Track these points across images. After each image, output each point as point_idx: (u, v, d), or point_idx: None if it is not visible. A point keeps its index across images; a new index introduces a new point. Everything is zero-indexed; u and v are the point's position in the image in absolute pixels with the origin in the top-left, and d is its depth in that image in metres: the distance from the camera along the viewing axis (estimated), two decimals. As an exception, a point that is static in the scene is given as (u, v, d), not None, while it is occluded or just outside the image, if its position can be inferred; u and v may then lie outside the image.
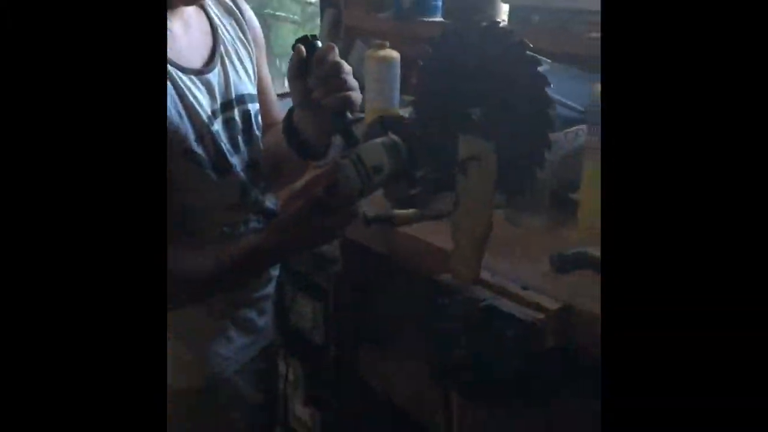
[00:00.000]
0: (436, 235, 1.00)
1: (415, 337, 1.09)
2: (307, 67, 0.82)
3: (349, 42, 1.69)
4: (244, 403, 1.01)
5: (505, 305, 0.83)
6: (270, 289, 1.04)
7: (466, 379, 0.85)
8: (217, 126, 0.85)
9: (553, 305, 0.83)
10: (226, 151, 0.86)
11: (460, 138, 0.82)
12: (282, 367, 1.46)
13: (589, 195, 0.98)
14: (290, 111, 0.90)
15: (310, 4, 2.97)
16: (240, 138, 0.90)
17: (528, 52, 0.76)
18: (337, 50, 0.81)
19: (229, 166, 0.86)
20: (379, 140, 0.86)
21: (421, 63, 0.88)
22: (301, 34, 0.90)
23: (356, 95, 0.84)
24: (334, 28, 1.77)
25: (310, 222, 0.85)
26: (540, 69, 0.76)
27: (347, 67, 0.82)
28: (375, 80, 1.28)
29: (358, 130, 0.92)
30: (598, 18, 1.30)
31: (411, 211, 1.07)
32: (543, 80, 0.75)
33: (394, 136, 0.86)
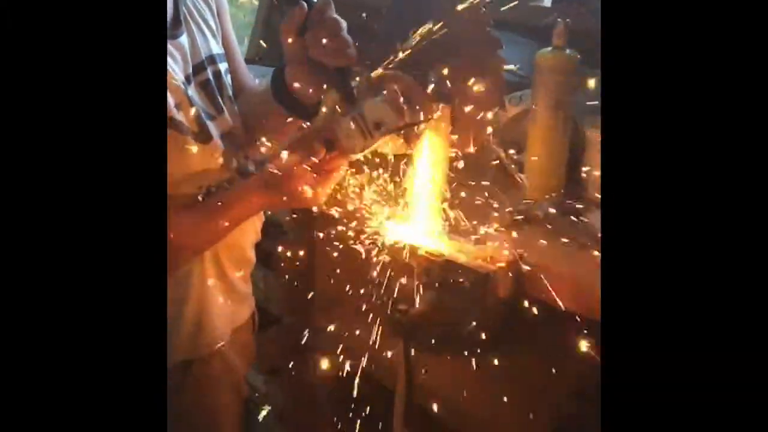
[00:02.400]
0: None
1: (370, 297, 1.12)
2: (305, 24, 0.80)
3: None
4: (230, 372, 1.01)
5: (461, 259, 0.87)
6: (253, 256, 1.03)
7: (427, 334, 0.90)
8: (192, 91, 0.83)
9: (504, 257, 0.88)
10: (204, 116, 0.84)
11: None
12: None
13: (534, 156, 1.04)
14: (280, 69, 0.87)
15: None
16: (218, 100, 0.88)
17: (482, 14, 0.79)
18: (333, 5, 0.80)
19: (209, 133, 0.84)
20: (379, 98, 0.84)
21: (376, 26, 0.89)
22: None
23: (354, 52, 0.83)
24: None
25: (305, 175, 0.82)
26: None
27: (344, 23, 0.80)
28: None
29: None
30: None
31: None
32: (496, 43, 0.79)
33: (392, 93, 0.85)
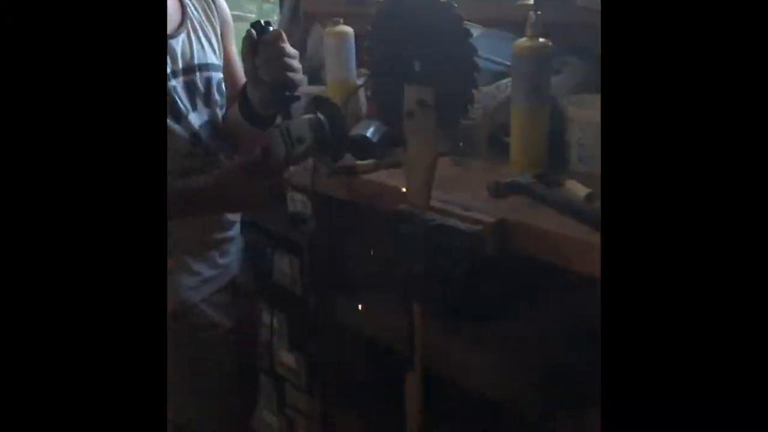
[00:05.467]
0: (392, 179, 1.18)
1: (383, 271, 1.25)
2: (257, 48, 0.98)
3: (309, 26, 1.85)
4: (213, 326, 1.18)
5: (452, 222, 1.00)
6: (232, 233, 1.21)
7: (425, 291, 1.03)
8: (176, 83, 1.02)
9: (490, 219, 1.01)
10: (180, 103, 1.03)
11: (406, 87, 0.99)
12: (267, 318, 1.62)
13: (517, 136, 1.17)
14: (245, 85, 1.06)
15: (267, 1, 3.10)
16: (199, 99, 1.07)
17: (463, 24, 0.93)
18: (284, 37, 0.98)
19: (182, 114, 1.03)
20: (306, 116, 1.03)
21: (370, 28, 1.04)
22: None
23: (296, 77, 1.01)
24: (294, 15, 1.92)
25: (245, 179, 1.01)
26: (471, 39, 0.93)
27: (292, 52, 0.99)
28: (333, 54, 1.43)
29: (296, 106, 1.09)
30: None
31: (370, 161, 1.25)
32: (472, 49, 0.93)
33: (320, 115, 1.03)
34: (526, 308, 1.21)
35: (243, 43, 1.00)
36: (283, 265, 1.57)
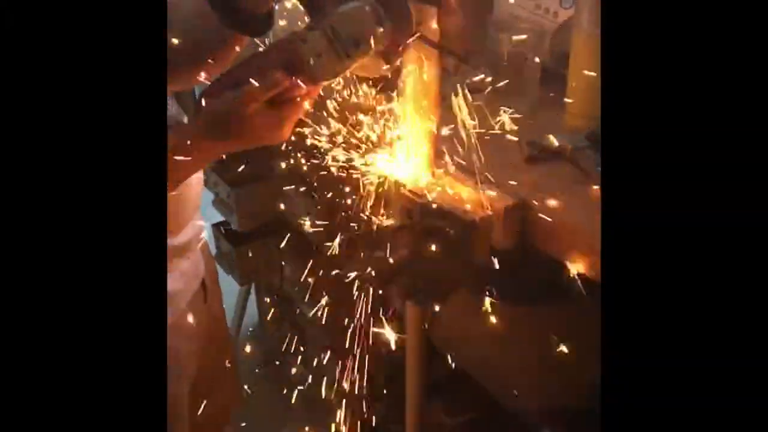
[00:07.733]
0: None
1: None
2: None
3: None
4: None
5: (448, 203, 0.71)
6: (185, 237, 0.91)
7: (405, 281, 0.76)
8: None
9: (503, 202, 0.70)
10: None
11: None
12: (276, 257, 1.41)
13: (577, 73, 0.82)
14: None
15: None
16: None
17: None
18: None
19: None
20: (355, 4, 0.67)
21: None
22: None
23: None
24: None
25: (263, 110, 0.68)
26: None
27: None
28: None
29: None
30: None
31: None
32: None
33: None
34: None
35: None
36: (297, 201, 1.34)
